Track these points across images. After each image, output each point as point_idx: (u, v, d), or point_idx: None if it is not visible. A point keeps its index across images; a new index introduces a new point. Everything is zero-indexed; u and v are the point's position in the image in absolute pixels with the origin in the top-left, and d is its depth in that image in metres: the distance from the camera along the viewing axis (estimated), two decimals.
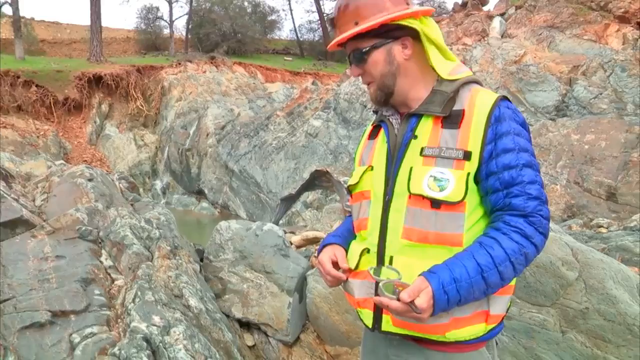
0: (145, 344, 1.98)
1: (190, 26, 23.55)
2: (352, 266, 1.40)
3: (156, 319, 2.13)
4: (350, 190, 1.48)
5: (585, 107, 8.48)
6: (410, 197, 1.28)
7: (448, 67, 1.35)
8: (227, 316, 2.99)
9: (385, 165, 1.37)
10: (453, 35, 12.40)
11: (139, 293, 2.30)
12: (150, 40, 24.03)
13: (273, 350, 2.97)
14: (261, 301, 2.99)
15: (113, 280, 2.52)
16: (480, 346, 1.35)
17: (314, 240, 3.73)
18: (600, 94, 8.39)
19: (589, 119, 7.87)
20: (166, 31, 23.87)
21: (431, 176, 1.26)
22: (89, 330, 2.06)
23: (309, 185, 9.54)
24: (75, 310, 2.15)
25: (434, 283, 1.17)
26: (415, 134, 1.32)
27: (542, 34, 10.75)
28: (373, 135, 1.49)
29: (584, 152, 7.21)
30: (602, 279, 2.31)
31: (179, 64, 16.32)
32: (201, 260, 3.28)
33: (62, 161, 7.20)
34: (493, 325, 1.33)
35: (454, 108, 1.30)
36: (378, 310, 1.34)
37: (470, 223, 1.28)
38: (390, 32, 1.31)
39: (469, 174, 1.25)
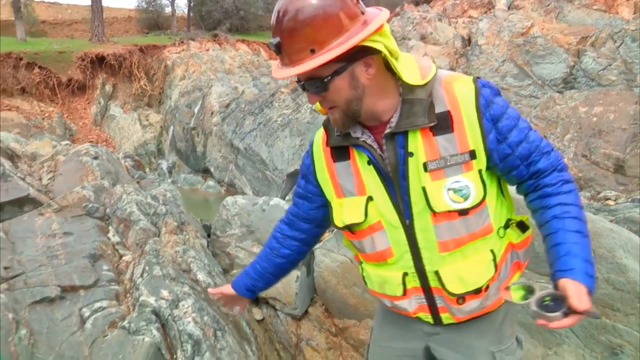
0: (154, 317, 1.99)
1: (192, 4, 23.22)
2: (400, 293, 1.37)
3: (164, 292, 2.14)
4: (351, 228, 1.35)
5: (594, 79, 8.36)
6: (435, 215, 1.24)
7: (415, 71, 1.22)
8: None
9: (387, 191, 1.28)
10: (458, 7, 12.17)
11: (147, 268, 2.31)
12: (152, 19, 23.77)
13: (282, 323, 2.99)
14: None
15: (121, 256, 2.53)
16: None
17: None
18: (610, 65, 8.24)
19: (598, 91, 7.75)
20: (168, 10, 23.62)
21: (449, 189, 1.22)
22: (98, 304, 2.07)
23: None
24: (84, 285, 2.16)
25: (582, 279, 1.15)
26: (409, 151, 1.22)
27: (550, 4, 10.53)
28: (339, 157, 1.33)
29: (592, 124, 7.11)
30: (612, 248, 2.29)
31: (182, 42, 16.15)
32: (208, 235, 3.29)
33: (67, 141, 7.19)
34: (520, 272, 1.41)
35: (437, 111, 1.20)
36: (435, 311, 1.37)
37: (493, 209, 1.29)
38: (352, 54, 1.12)
39: (480, 170, 1.23)
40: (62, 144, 5.33)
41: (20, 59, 13.12)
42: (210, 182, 11.16)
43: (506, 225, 1.34)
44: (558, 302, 1.13)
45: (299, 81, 1.21)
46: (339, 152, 1.33)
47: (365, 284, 1.49)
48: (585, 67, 8.43)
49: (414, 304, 1.38)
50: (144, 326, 1.92)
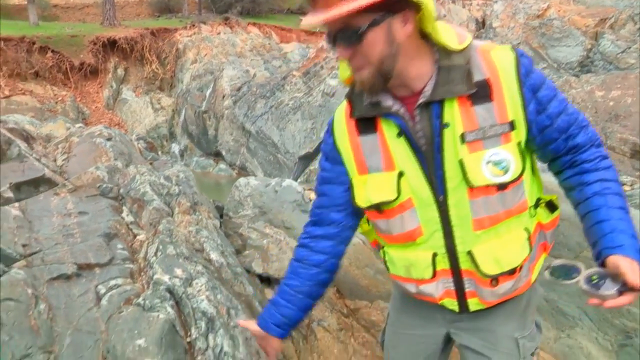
0: (168, 294, 2.02)
1: None
2: (429, 276, 1.30)
3: (178, 271, 2.16)
4: (379, 207, 1.27)
5: (612, 62, 8.19)
6: (472, 190, 1.17)
7: (453, 36, 1.15)
8: (248, 271, 3.03)
9: (420, 165, 1.21)
10: None
11: (160, 247, 2.34)
12: (164, 2, 23.67)
13: None
14: (281, 256, 3.02)
15: (135, 236, 2.56)
16: None
17: None
18: (629, 48, 8.07)
19: (615, 74, 7.60)
20: None
21: (488, 162, 1.15)
22: (113, 282, 2.10)
23: None
24: (99, 263, 2.19)
25: (635, 255, 1.11)
26: (445, 121, 1.15)
27: None
28: (364, 129, 1.25)
29: (609, 109, 6.99)
30: None
31: (193, 25, 16.11)
32: (221, 216, 3.31)
33: (80, 124, 7.25)
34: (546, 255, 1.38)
35: (476, 79, 1.14)
36: (462, 297, 1.32)
37: (528, 186, 1.24)
38: (391, 4, 1.05)
39: (519, 143, 1.17)
40: (75, 126, 5.38)
41: (34, 43, 13.17)
42: (222, 165, 11.20)
43: (536, 205, 1.30)
44: (606, 281, 1.10)
45: (329, 35, 1.12)
46: (365, 125, 1.24)
47: (388, 269, 1.41)
48: (603, 50, 8.27)
49: (440, 289, 1.31)
50: (159, 303, 1.94)
